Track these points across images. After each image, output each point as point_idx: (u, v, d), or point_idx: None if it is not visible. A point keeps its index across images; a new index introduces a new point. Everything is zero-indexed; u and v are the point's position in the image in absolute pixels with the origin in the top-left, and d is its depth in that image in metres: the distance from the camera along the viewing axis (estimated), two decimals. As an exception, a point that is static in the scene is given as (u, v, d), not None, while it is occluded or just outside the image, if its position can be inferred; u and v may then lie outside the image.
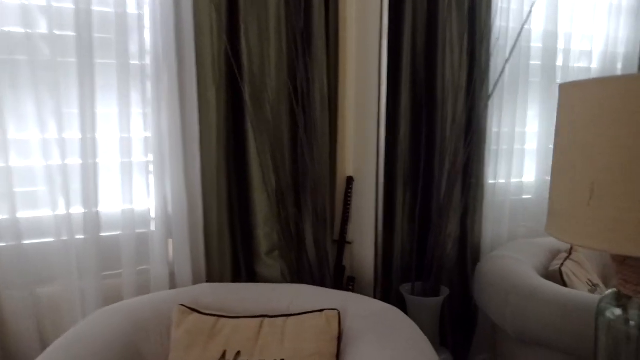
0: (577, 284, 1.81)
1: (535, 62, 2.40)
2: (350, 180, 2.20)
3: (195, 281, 1.81)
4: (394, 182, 2.09)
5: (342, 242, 2.20)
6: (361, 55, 2.09)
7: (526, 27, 2.31)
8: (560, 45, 2.44)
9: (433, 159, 2.16)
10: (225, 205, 1.82)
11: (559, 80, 2.44)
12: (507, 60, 2.10)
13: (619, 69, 2.62)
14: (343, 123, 2.16)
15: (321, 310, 1.41)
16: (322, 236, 1.94)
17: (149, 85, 1.72)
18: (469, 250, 2.29)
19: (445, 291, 2.10)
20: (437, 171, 2.15)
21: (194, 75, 1.75)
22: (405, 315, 1.40)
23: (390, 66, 2.00)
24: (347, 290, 2.19)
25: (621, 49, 2.62)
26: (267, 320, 1.41)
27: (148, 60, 1.71)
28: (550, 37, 2.38)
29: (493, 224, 2.39)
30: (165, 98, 1.73)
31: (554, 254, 2.11)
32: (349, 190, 2.20)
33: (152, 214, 1.76)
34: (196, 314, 1.42)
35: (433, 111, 2.14)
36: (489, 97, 2.01)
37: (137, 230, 1.76)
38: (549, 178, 2.45)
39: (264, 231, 1.85)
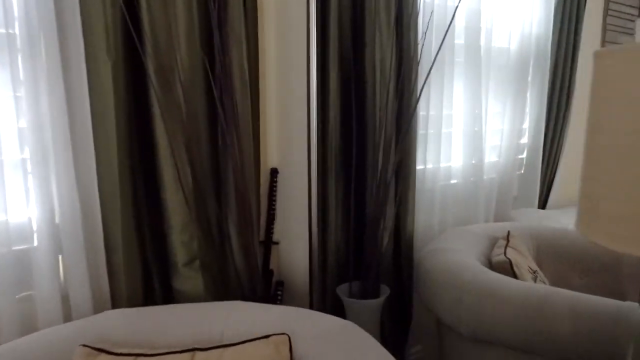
0: (524, 273, 1.72)
1: (459, 41, 2.28)
2: (274, 172, 1.93)
3: (97, 307, 1.45)
4: (326, 173, 1.86)
5: (268, 243, 1.94)
6: (283, 26, 1.83)
7: (450, 3, 2.17)
8: (483, 24, 2.35)
9: (365, 146, 1.96)
10: (130, 209, 1.47)
11: (483, 61, 2.36)
12: (442, 42, 1.94)
13: (532, 50, 2.60)
14: (264, 106, 1.89)
15: (267, 337, 1.15)
16: (250, 240, 1.67)
17: (19, 60, 1.33)
18: (402, 243, 2.13)
19: (385, 290, 1.92)
20: (371, 159, 1.96)
21: (81, 47, 1.38)
22: (366, 334, 1.19)
23: (318, 42, 1.76)
24: (276, 296, 1.93)
25: (535, 30, 2.60)
26: (198, 354, 1.12)
27: (17, 29, 1.31)
28: (474, 15, 2.28)
29: (424, 213, 2.26)
30: (44, 77, 1.34)
31: (492, 242, 2.01)
32: (274, 184, 1.94)
33: (34, 226, 1.38)
34: (105, 356, 1.09)
35: (363, 95, 1.93)
36: (424, 81, 1.85)
37: (15, 248, 1.37)
38: (475, 161, 2.36)
39: (181, 238, 1.53)
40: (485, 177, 2.45)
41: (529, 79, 2.60)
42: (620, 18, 3.25)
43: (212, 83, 1.54)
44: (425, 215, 2.27)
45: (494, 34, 2.43)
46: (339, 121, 1.87)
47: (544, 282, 1.82)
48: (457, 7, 2.01)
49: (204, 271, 1.57)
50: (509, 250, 1.86)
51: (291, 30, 1.79)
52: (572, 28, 2.74)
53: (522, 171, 2.70)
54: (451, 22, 1.91)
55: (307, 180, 1.79)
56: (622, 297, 1.87)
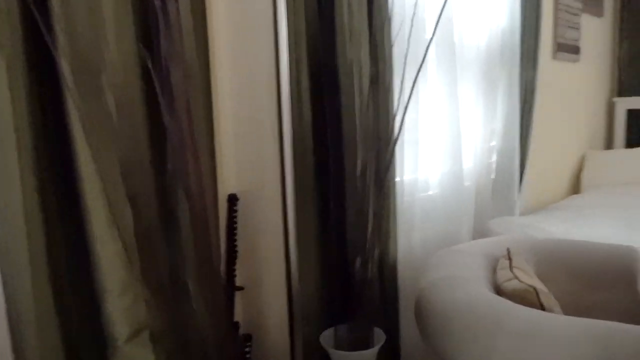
0: (551, 303, 1.44)
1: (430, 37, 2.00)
2: (232, 199, 1.54)
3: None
4: (302, 197, 1.49)
5: (230, 289, 1.54)
6: (239, 15, 1.44)
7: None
8: (455, 19, 2.08)
9: (343, 159, 1.61)
10: (43, 271, 1.03)
11: (458, 58, 2.09)
12: (430, 41, 1.62)
13: (500, 46, 2.39)
14: (218, 117, 1.49)
15: None
16: (215, 289, 1.26)
17: None
18: (385, 272, 1.80)
19: (379, 336, 1.58)
20: (350, 175, 1.62)
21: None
22: None
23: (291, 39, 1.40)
24: (244, 354, 1.53)
25: (502, 24, 2.39)
26: None
27: None
28: (446, 10, 2.01)
29: (404, 232, 1.95)
30: None
31: (491, 262, 1.73)
32: (233, 215, 1.54)
33: None
34: None
35: (336, 99, 1.59)
36: (412, 87, 1.53)
37: None
38: (454, 169, 2.09)
39: (122, 304, 1.10)
40: (464, 185, 2.18)
41: (499, 76, 2.37)
42: (568, 12, 3.15)
43: (158, 89, 1.12)
44: (405, 235, 1.96)
45: (464, 30, 2.18)
46: (312, 134, 1.52)
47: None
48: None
49: (157, 344, 1.15)
50: (517, 272, 1.59)
51: (253, 20, 1.41)
52: (533, 23, 2.56)
53: (494, 176, 2.46)
54: (438, 21, 1.61)
55: (281, 208, 1.41)
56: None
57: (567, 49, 3.16)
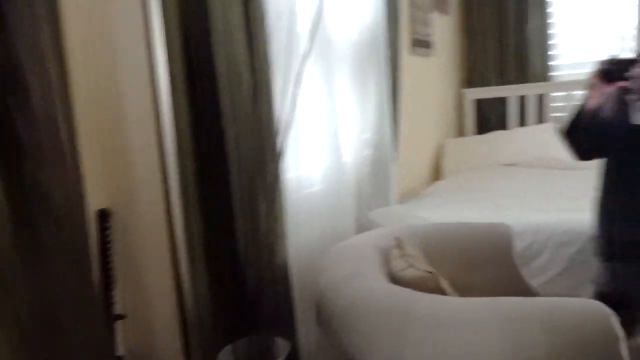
0: (447, 287, 1.46)
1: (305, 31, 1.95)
2: (104, 215, 1.33)
3: None
4: (188, 206, 1.34)
5: (109, 318, 1.33)
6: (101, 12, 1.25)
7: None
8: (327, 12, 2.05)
9: (226, 162, 1.49)
10: None
11: (332, 52, 2.07)
12: (313, 33, 1.56)
13: (368, 39, 2.42)
14: (79, 123, 1.27)
15: None
16: (92, 323, 1.07)
17: None
18: (277, 275, 1.71)
19: (283, 347, 1.49)
20: (236, 174, 1.50)
21: None
22: None
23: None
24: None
25: (369, 17, 2.42)
26: None
27: None
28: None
29: (292, 232, 1.87)
30: None
31: (383, 254, 1.72)
32: (106, 232, 1.34)
33: None
34: None
35: (214, 98, 1.46)
36: (299, 80, 1.45)
37: None
38: (335, 163, 2.07)
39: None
40: (345, 179, 2.17)
41: (369, 70, 2.40)
42: (420, 10, 3.33)
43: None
44: (293, 236, 1.88)
45: (335, 24, 2.16)
46: (192, 137, 1.37)
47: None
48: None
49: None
50: (410, 259, 1.60)
51: (119, 22, 1.22)
52: (393, 18, 2.64)
53: (370, 169, 2.49)
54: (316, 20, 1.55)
55: (164, 220, 1.25)
56: (526, 291, 1.77)
57: (421, 44, 3.34)
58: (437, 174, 3.63)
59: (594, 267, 1.62)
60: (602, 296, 1.52)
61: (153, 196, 1.26)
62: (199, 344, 1.36)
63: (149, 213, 1.27)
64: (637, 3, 3.37)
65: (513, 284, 1.77)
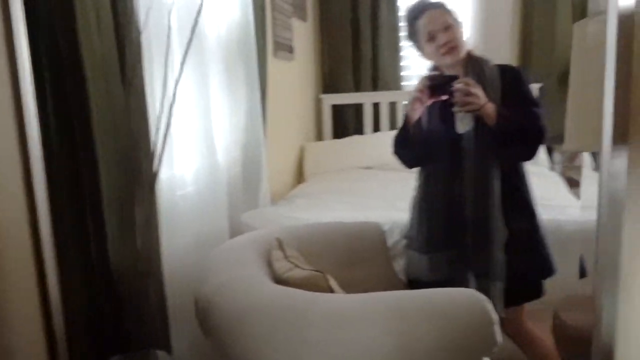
0: (335, 285, 1.48)
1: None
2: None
3: None
4: (57, 218, 1.17)
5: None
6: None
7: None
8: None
9: (97, 166, 1.34)
10: None
11: (203, 48, 1.98)
12: (194, 26, 1.46)
13: (238, 37, 2.37)
14: None
15: None
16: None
17: None
18: (154, 284, 1.59)
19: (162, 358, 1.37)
20: (107, 177, 1.35)
21: None
22: None
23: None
24: None
25: (238, 15, 2.37)
26: None
27: None
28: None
29: (167, 236, 1.75)
30: None
31: (264, 256, 1.68)
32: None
33: None
34: None
35: (83, 97, 1.31)
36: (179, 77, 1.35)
37: None
38: (209, 163, 1.98)
39: None
40: (218, 180, 2.09)
41: (239, 70, 2.35)
42: (282, 14, 3.36)
43: None
44: (166, 240, 1.76)
45: (206, 20, 2.07)
46: (59, 138, 1.21)
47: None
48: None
49: None
50: (293, 260, 1.59)
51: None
52: (260, 19, 2.63)
53: (241, 170, 2.44)
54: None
55: (29, 236, 1.07)
56: (399, 284, 1.86)
57: (284, 47, 3.37)
58: (298, 176, 3.69)
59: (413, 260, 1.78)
60: (420, 285, 1.65)
61: (13, 212, 1.08)
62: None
63: (11, 224, 1.08)
64: (470, 18, 3.79)
65: (388, 279, 1.86)
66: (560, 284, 1.93)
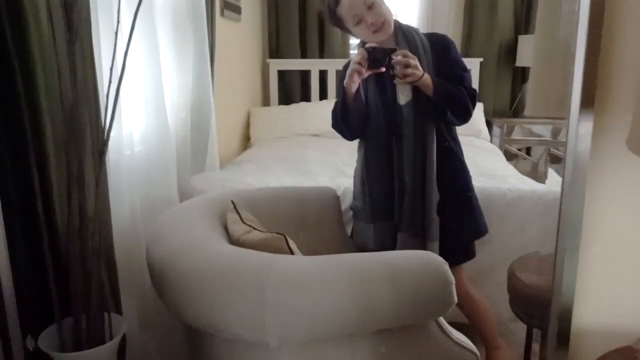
0: (294, 247, 1.46)
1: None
2: None
3: None
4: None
5: None
6: None
7: None
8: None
9: (41, 124, 1.24)
10: None
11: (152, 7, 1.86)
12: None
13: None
14: None
15: None
16: None
17: None
18: (103, 247, 1.51)
19: (118, 322, 1.32)
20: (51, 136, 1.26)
21: None
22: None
23: None
24: None
25: None
26: None
27: None
28: None
29: (115, 197, 1.67)
30: None
31: (220, 219, 1.65)
32: None
33: None
34: None
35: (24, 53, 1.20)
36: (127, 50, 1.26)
37: None
38: (159, 124, 1.90)
39: None
40: (167, 142, 2.00)
41: (188, 29, 2.24)
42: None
43: None
44: (115, 202, 1.68)
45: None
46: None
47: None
48: None
49: None
50: (249, 222, 1.57)
51: None
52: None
53: (189, 132, 2.35)
54: None
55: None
56: (351, 249, 1.88)
57: (232, 7, 3.25)
58: (245, 141, 3.63)
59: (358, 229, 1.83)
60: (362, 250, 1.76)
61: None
62: (20, 325, 1.12)
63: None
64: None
65: (342, 243, 1.88)
66: (499, 246, 2.04)
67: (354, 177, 1.87)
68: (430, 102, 1.62)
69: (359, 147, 1.83)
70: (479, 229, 1.78)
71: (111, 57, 1.31)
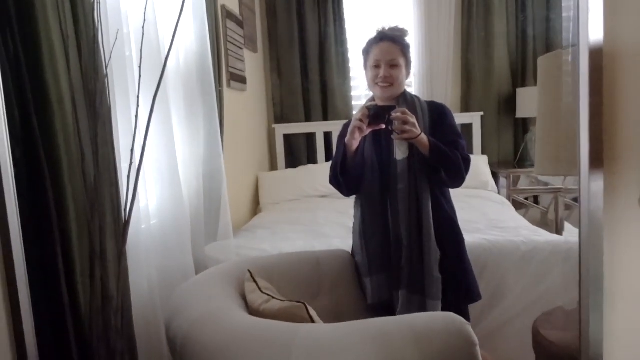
0: (315, 315, 1.46)
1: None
2: None
3: None
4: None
5: None
6: None
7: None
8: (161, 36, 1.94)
9: (64, 199, 1.28)
10: None
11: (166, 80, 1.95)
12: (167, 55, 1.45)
13: (196, 68, 2.36)
14: None
15: None
16: None
17: None
18: (123, 327, 1.51)
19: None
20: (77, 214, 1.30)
21: None
22: None
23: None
24: None
25: (195, 46, 2.37)
26: None
27: None
28: (151, 26, 1.86)
29: (133, 271, 1.69)
30: None
31: (237, 288, 1.66)
32: None
33: None
34: None
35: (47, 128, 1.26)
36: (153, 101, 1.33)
37: None
38: (174, 196, 1.94)
39: None
40: (182, 212, 2.04)
41: (199, 99, 2.33)
42: (235, 45, 3.38)
43: None
44: (133, 276, 1.69)
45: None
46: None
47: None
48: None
49: None
50: (267, 292, 1.58)
51: None
52: (215, 50, 2.63)
53: (202, 201, 2.39)
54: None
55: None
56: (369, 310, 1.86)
57: (237, 78, 3.38)
58: (255, 206, 3.67)
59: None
60: (372, 307, 1.76)
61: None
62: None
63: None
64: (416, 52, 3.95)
65: (359, 303, 1.86)
66: (514, 300, 2.03)
67: (353, 232, 1.91)
68: (425, 161, 1.67)
69: (356, 202, 1.88)
70: (474, 293, 1.77)
71: (131, 139, 1.36)
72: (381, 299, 1.74)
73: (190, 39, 2.34)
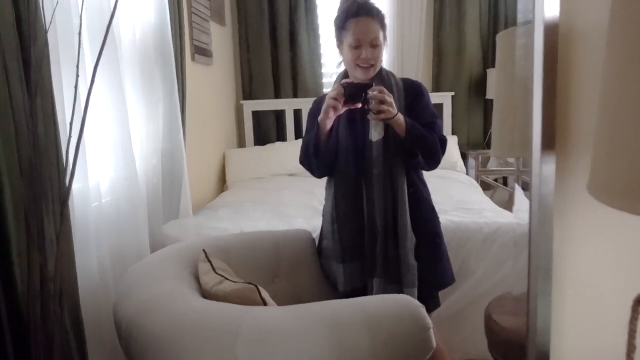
0: (267, 297, 1.42)
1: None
2: None
3: None
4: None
5: None
6: None
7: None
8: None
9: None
10: None
11: (118, 51, 1.86)
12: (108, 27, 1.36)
13: (154, 41, 2.26)
14: None
15: None
16: None
17: None
18: (67, 309, 1.45)
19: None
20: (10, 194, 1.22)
21: None
22: None
23: None
24: None
25: (154, 18, 2.26)
26: None
27: None
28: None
29: (81, 251, 1.62)
30: None
31: (190, 269, 1.60)
32: None
33: None
34: None
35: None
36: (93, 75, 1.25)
37: None
38: (127, 173, 1.86)
39: None
40: (137, 190, 1.96)
41: (157, 74, 2.24)
42: (200, 17, 3.26)
43: None
44: (81, 257, 1.62)
45: (119, 22, 1.95)
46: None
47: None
48: None
49: None
50: (221, 272, 1.53)
51: None
52: (176, 22, 2.53)
53: (160, 179, 2.31)
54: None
55: None
56: (330, 292, 1.83)
57: (202, 52, 3.27)
58: (221, 183, 3.60)
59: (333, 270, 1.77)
60: (344, 295, 1.66)
61: None
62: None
63: None
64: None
65: (319, 286, 1.83)
66: (477, 282, 2.02)
67: (323, 215, 1.82)
68: (401, 143, 1.60)
69: (328, 185, 1.78)
70: (447, 278, 1.74)
71: (71, 110, 1.28)
72: (354, 287, 1.67)
73: (149, 8, 2.23)
